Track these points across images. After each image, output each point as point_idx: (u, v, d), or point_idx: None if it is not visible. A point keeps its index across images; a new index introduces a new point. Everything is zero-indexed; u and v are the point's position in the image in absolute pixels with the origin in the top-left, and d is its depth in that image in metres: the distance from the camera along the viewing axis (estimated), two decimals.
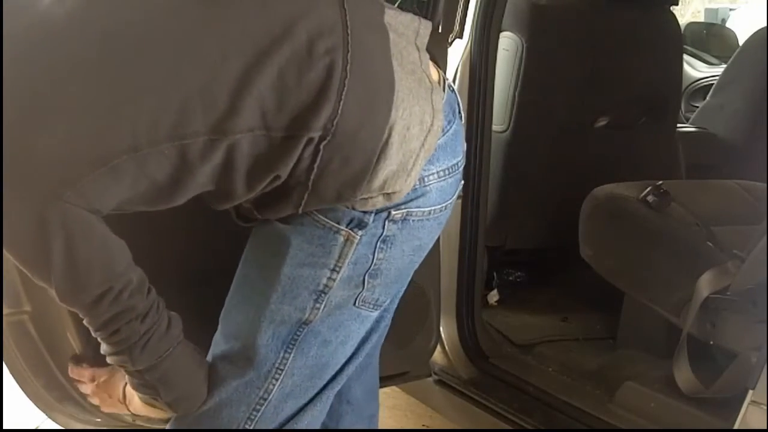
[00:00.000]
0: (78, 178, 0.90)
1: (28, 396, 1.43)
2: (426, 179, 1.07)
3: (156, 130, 0.90)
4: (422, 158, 1.04)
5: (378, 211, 1.06)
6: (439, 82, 1.10)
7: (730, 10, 6.09)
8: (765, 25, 2.60)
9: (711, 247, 1.66)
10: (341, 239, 1.05)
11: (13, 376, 1.40)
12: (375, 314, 1.16)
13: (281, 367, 1.11)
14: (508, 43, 2.05)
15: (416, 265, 1.17)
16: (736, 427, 1.18)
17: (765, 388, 1.14)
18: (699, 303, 1.52)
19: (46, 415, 1.46)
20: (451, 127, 1.09)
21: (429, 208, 1.09)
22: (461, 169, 1.13)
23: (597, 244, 1.90)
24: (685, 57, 3.15)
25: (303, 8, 0.96)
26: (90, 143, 0.90)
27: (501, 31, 1.83)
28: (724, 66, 3.04)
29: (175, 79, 0.91)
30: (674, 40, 2.42)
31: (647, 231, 1.81)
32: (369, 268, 1.09)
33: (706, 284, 1.53)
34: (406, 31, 1.07)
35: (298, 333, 1.10)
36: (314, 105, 0.93)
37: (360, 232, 1.06)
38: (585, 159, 2.20)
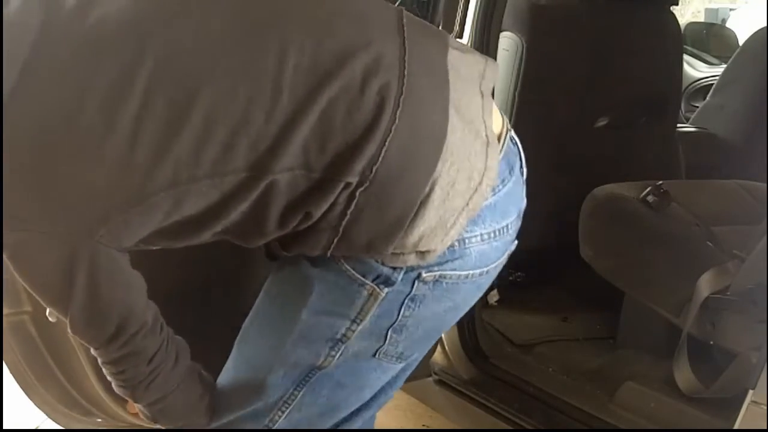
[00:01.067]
0: (114, 215, 0.86)
1: (28, 396, 1.43)
2: (467, 241, 0.99)
3: (197, 166, 0.85)
4: (464, 218, 0.96)
5: (408, 270, 0.99)
6: (500, 135, 1.03)
7: (730, 10, 6.09)
8: (765, 25, 2.60)
9: (711, 247, 1.66)
10: (365, 293, 0.99)
11: (13, 376, 1.41)
12: (399, 366, 1.11)
13: (289, 402, 1.09)
14: (508, 43, 2.05)
15: (450, 324, 1.13)
16: (736, 427, 1.18)
17: (765, 388, 1.14)
18: (699, 303, 1.52)
19: (46, 415, 1.46)
20: (504, 186, 1.02)
21: (467, 272, 1.01)
22: (513, 231, 1.05)
23: (597, 244, 1.90)
24: (685, 57, 3.15)
25: (362, 40, 0.90)
26: (136, 178, 0.85)
27: (501, 31, 1.83)
28: (724, 66, 3.04)
29: (224, 112, 0.86)
30: (674, 40, 2.42)
31: (647, 231, 1.81)
32: (393, 324, 1.03)
33: (706, 284, 1.53)
34: (470, 73, 1.00)
35: (310, 375, 1.07)
36: (356, 148, 0.88)
37: (386, 289, 0.99)
38: (585, 159, 2.19)
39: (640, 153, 2.29)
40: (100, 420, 1.47)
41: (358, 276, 0.99)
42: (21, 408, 1.49)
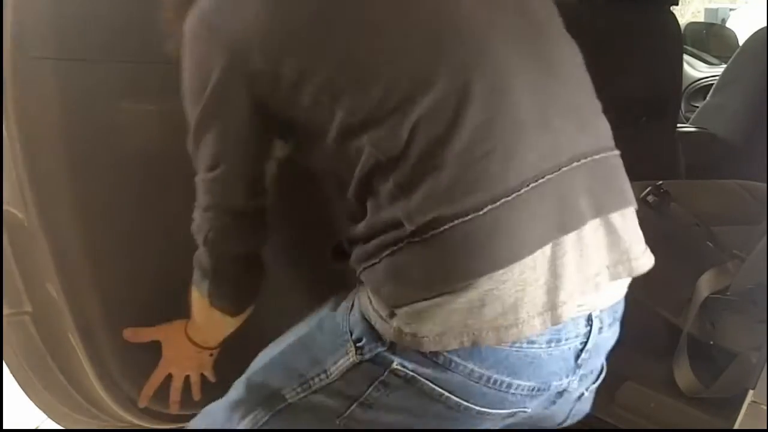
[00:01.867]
0: (275, 66, 0.93)
1: (28, 396, 1.43)
2: (453, 364, 0.90)
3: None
4: (455, 339, 0.87)
5: (388, 349, 0.93)
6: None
7: (730, 10, 6.08)
8: (765, 25, 2.60)
9: (711, 247, 1.65)
10: (344, 350, 0.96)
11: (13, 376, 1.40)
12: None
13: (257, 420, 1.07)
14: None
15: None
16: (736, 427, 1.18)
17: (765, 388, 1.14)
18: (699, 303, 1.52)
19: (46, 415, 1.46)
20: (536, 349, 0.90)
21: (445, 393, 0.92)
22: (521, 394, 0.93)
23: None
24: (685, 57, 3.15)
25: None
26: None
27: None
28: (724, 66, 3.04)
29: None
30: (674, 40, 2.42)
31: (647, 231, 1.80)
32: (358, 398, 0.97)
33: (706, 284, 1.52)
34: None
35: (276, 407, 1.04)
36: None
37: (359, 356, 0.95)
38: None
39: (640, 153, 2.28)
40: (100, 420, 1.47)
41: (349, 326, 0.97)
42: (21, 408, 1.49)
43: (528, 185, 0.89)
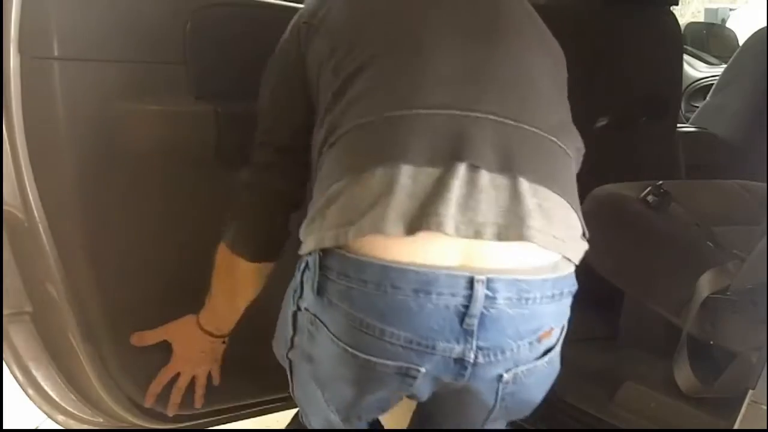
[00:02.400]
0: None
1: (28, 396, 1.43)
2: (326, 296, 0.97)
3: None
4: (313, 241, 0.97)
5: (299, 294, 1.04)
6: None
7: (730, 10, 6.08)
8: (765, 25, 2.60)
9: (711, 247, 1.65)
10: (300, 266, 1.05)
11: (13, 376, 1.41)
12: (312, 385, 1.08)
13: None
14: None
15: (353, 397, 1.04)
16: (736, 427, 1.18)
17: (765, 388, 1.14)
18: (699, 303, 1.52)
19: (46, 415, 1.46)
20: (402, 297, 0.92)
21: (334, 337, 0.98)
22: (402, 344, 0.94)
23: (597, 244, 1.89)
24: (685, 57, 3.15)
25: None
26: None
27: None
28: (724, 66, 3.04)
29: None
30: (674, 40, 2.42)
31: (647, 231, 1.80)
32: (304, 349, 1.06)
33: (706, 284, 1.52)
34: None
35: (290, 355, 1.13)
36: None
37: (294, 306, 1.05)
38: (585, 159, 2.19)
39: (640, 153, 2.28)
40: (100, 420, 1.47)
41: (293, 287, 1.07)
42: (21, 408, 1.49)
43: (431, 110, 0.98)
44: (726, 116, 2.66)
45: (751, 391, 1.16)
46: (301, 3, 1.29)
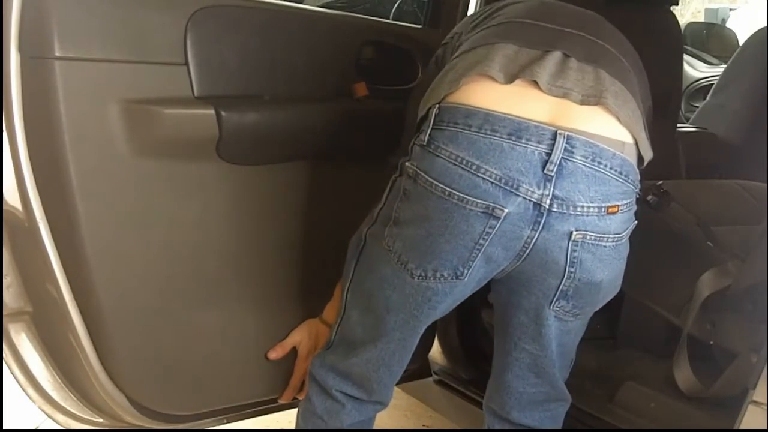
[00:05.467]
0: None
1: (28, 396, 1.43)
2: (434, 147, 1.14)
3: None
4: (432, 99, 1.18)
5: (408, 158, 1.18)
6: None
7: (730, 10, 6.08)
8: (765, 25, 2.60)
9: (711, 247, 1.65)
10: (391, 177, 1.24)
11: (13, 376, 1.41)
12: (406, 276, 1.20)
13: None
14: None
15: (433, 246, 1.17)
16: (736, 427, 1.18)
17: (765, 388, 1.14)
18: (699, 303, 1.52)
19: (46, 415, 1.46)
20: (498, 138, 1.11)
21: (433, 180, 1.14)
22: (492, 180, 1.11)
23: None
24: (685, 57, 3.15)
25: None
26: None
27: None
28: (724, 66, 3.04)
29: None
30: (674, 40, 2.42)
31: (647, 231, 1.80)
32: (392, 214, 1.21)
33: (706, 284, 1.52)
34: None
35: (359, 248, 1.30)
36: None
37: (394, 176, 1.22)
38: None
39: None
40: (100, 420, 1.48)
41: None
42: (21, 408, 1.49)
43: (535, 21, 1.23)
44: (726, 116, 2.66)
45: (751, 391, 1.16)
46: (300, 3, 1.29)
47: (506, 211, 1.11)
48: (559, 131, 1.10)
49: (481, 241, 1.14)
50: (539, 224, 1.13)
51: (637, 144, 1.17)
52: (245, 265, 1.49)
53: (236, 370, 1.51)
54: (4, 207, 1.29)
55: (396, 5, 2.00)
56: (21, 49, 1.22)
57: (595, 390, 1.73)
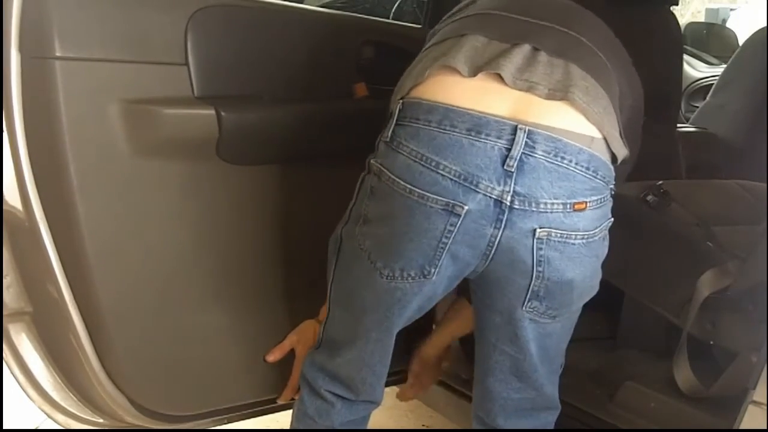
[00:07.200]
0: None
1: (28, 396, 1.43)
2: (396, 144, 1.14)
3: None
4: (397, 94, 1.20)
5: (374, 155, 1.18)
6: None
7: (731, 10, 6.08)
8: (765, 25, 2.60)
9: (711, 247, 1.65)
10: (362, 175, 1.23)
11: (13, 376, 1.41)
12: (375, 275, 1.20)
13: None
14: None
15: (395, 246, 1.16)
16: (736, 427, 1.18)
17: (765, 388, 1.14)
18: (699, 303, 1.51)
19: (46, 415, 1.46)
20: (457, 134, 1.10)
21: (395, 177, 1.13)
22: (450, 176, 1.09)
23: None
24: (685, 57, 3.15)
25: None
26: None
27: None
28: (724, 66, 3.04)
29: None
30: (674, 40, 2.42)
31: (647, 231, 1.80)
32: (361, 212, 1.21)
33: (706, 284, 1.52)
34: None
35: (337, 247, 1.29)
36: None
37: (363, 173, 1.21)
38: None
39: (640, 153, 2.28)
40: (100, 420, 1.48)
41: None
42: (21, 408, 1.49)
43: (508, 13, 1.20)
44: (726, 116, 2.65)
45: (751, 391, 1.16)
46: (300, 3, 1.29)
47: (466, 208, 1.10)
48: (519, 126, 1.08)
49: (444, 240, 1.13)
50: (501, 222, 1.11)
51: (608, 141, 1.14)
52: (245, 264, 1.49)
53: (236, 370, 1.51)
54: (4, 207, 1.29)
55: (396, 5, 2.00)
56: (21, 49, 1.22)
57: (595, 390, 1.73)
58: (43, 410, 1.45)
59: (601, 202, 1.15)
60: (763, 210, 1.65)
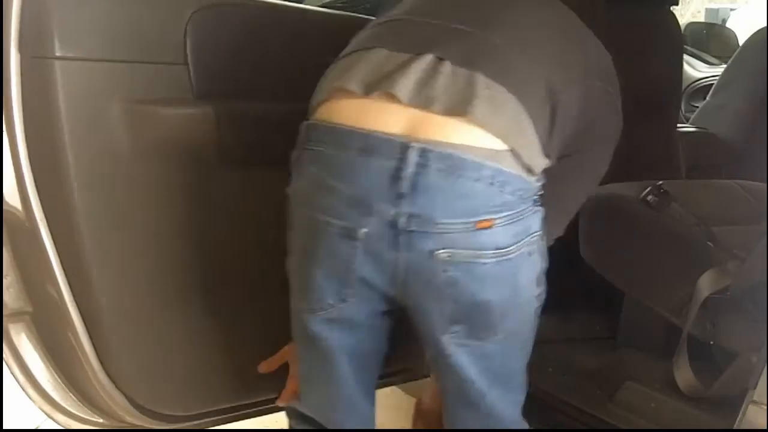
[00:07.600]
0: None
1: (28, 396, 1.43)
2: (300, 164, 1.14)
3: None
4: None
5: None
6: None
7: (731, 10, 6.08)
8: (765, 25, 2.60)
9: (711, 247, 1.65)
10: None
11: (13, 376, 1.41)
12: None
13: None
14: None
15: (312, 275, 1.14)
16: (736, 427, 1.18)
17: (765, 388, 1.14)
18: (699, 303, 1.52)
19: (46, 415, 1.46)
20: (351, 154, 1.05)
21: (299, 203, 1.15)
22: (347, 202, 1.06)
23: (597, 244, 1.90)
24: (685, 57, 3.14)
25: None
26: None
27: None
28: (724, 66, 3.04)
29: None
30: (674, 40, 2.42)
31: (647, 231, 1.80)
32: (288, 243, 1.21)
33: (706, 284, 1.52)
34: None
35: None
36: None
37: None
38: None
39: (640, 153, 2.28)
40: (100, 420, 1.48)
41: None
42: (21, 408, 1.49)
43: (420, 17, 1.14)
44: (726, 116, 2.66)
45: (751, 391, 1.16)
46: (300, 3, 1.29)
47: (362, 231, 1.05)
48: (411, 144, 1.01)
49: (351, 265, 1.08)
50: (399, 244, 1.05)
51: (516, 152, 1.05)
52: (246, 264, 1.49)
53: (236, 370, 1.51)
54: (4, 207, 1.29)
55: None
56: (21, 48, 1.22)
57: (595, 390, 1.73)
58: (43, 410, 1.45)
59: (513, 218, 1.06)
60: (763, 210, 1.65)
